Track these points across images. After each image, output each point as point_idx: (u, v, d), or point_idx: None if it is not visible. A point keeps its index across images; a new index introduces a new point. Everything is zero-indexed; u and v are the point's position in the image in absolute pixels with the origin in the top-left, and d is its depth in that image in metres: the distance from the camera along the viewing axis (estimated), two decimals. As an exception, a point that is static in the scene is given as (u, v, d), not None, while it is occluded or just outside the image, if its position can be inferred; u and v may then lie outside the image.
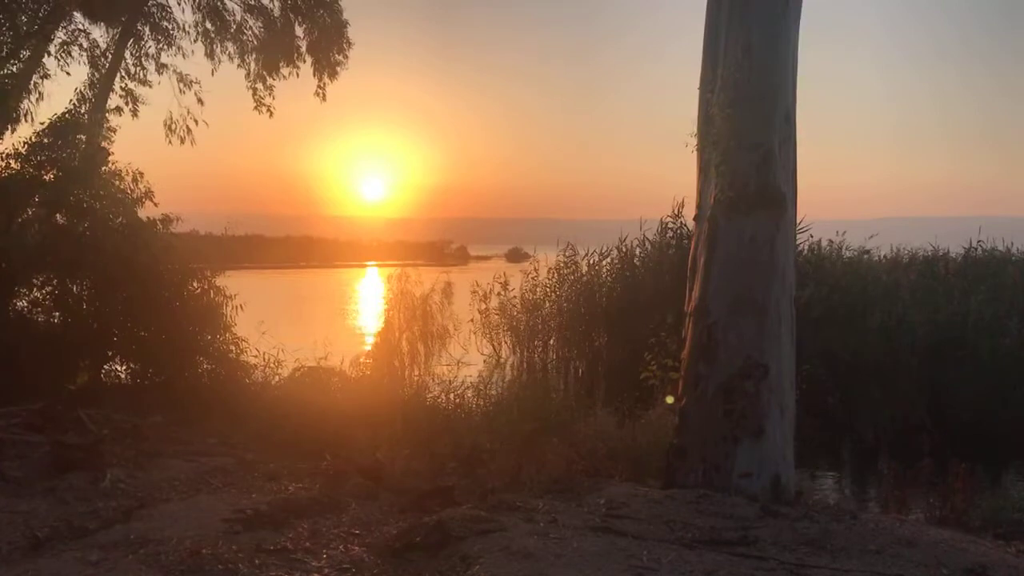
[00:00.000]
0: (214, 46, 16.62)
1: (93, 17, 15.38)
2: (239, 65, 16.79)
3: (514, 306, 18.64)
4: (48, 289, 10.36)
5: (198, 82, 16.62)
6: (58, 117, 10.86)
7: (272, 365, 10.53)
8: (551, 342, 18.47)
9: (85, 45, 15.73)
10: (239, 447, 8.16)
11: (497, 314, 18.63)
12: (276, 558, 4.78)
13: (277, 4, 16.47)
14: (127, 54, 15.94)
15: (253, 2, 16.54)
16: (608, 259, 18.67)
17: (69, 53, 15.51)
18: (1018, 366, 13.70)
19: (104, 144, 12.02)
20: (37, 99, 14.56)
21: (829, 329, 14.58)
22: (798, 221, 8.53)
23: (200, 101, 16.66)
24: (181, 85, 16.48)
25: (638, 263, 18.11)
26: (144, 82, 16.29)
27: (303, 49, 16.69)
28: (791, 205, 6.71)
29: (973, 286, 15.95)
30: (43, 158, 10.52)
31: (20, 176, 10.39)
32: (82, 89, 15.14)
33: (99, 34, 15.87)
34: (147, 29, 16.23)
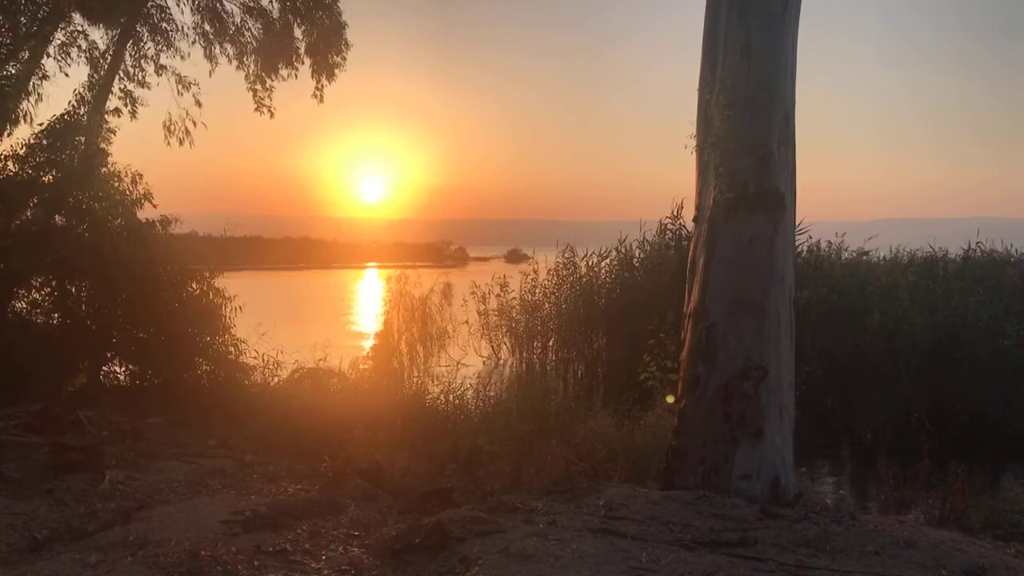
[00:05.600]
0: (213, 48, 16.62)
1: (92, 18, 15.36)
2: (238, 67, 16.79)
3: (513, 307, 18.66)
4: (47, 290, 10.35)
5: (197, 84, 16.62)
6: (57, 118, 10.84)
7: (271, 366, 10.53)
8: (550, 343, 18.48)
9: (84, 46, 15.72)
10: (238, 449, 8.15)
11: (496, 315, 18.64)
12: (275, 559, 4.78)
13: (276, 5, 16.47)
14: (126, 55, 15.93)
15: (252, 4, 16.53)
16: (607, 260, 18.69)
17: (68, 54, 15.51)
18: (1017, 367, 13.71)
19: (103, 145, 11.99)
20: (36, 100, 14.54)
21: (828, 330, 14.60)
22: (797, 222, 8.54)
23: (199, 103, 16.65)
24: (180, 87, 16.47)
25: (637, 264, 18.13)
26: (143, 83, 16.27)
27: (302, 51, 16.68)
28: (790, 206, 6.71)
29: (972, 287, 15.97)
30: (42, 159, 10.51)
31: (19, 177, 10.39)
32: (81, 90, 15.10)
33: (98, 35, 15.86)
34: (146, 30, 16.21)
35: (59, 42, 15.22)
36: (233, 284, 11.26)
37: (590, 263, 18.78)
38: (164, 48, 16.30)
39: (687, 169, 7.26)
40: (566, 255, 18.76)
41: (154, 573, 4.46)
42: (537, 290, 18.61)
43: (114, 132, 13.56)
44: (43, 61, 14.63)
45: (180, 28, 16.41)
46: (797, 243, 13.55)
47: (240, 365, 10.48)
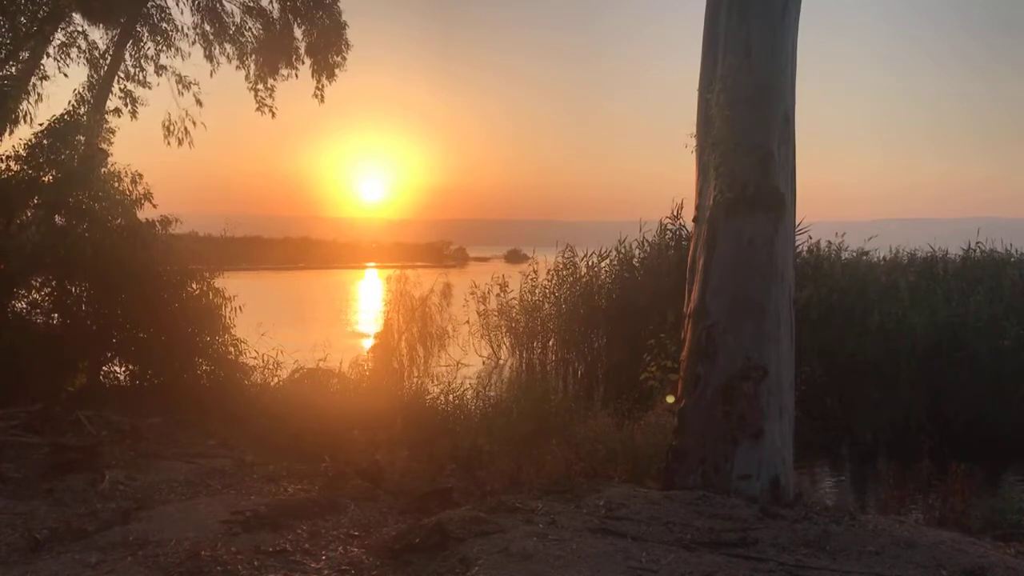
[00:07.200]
0: (213, 48, 16.66)
1: (92, 18, 15.37)
2: (238, 67, 16.83)
3: (513, 308, 18.66)
4: (47, 290, 10.34)
5: (197, 84, 16.66)
6: (57, 118, 10.82)
7: (271, 367, 10.52)
8: (550, 343, 18.47)
9: (84, 46, 15.77)
10: (238, 449, 8.15)
11: (496, 315, 18.65)
12: (275, 560, 4.77)
13: (276, 6, 16.51)
14: (126, 55, 15.95)
15: (252, 4, 16.55)
16: (607, 260, 18.69)
17: (68, 54, 15.55)
18: (1016, 367, 13.72)
19: (103, 145, 12.00)
20: (36, 100, 14.58)
21: (828, 330, 14.59)
22: (797, 222, 8.54)
23: (199, 102, 16.70)
24: (180, 87, 16.52)
25: (637, 264, 18.12)
26: (143, 83, 16.32)
27: (302, 51, 16.71)
28: (790, 206, 6.71)
29: (972, 287, 15.98)
30: (42, 159, 10.50)
31: (19, 178, 10.37)
32: (81, 90, 15.16)
33: (98, 35, 15.91)
34: (146, 31, 16.24)
35: (59, 42, 15.27)
36: (233, 284, 11.25)
37: (590, 263, 18.77)
38: (164, 48, 16.36)
39: (687, 169, 7.27)
40: (566, 255, 18.76)
41: (154, 573, 4.46)
42: (537, 290, 18.61)
43: (114, 132, 13.59)
44: (43, 61, 14.66)
45: (180, 28, 16.47)
46: (797, 243, 13.55)
47: (240, 365, 10.47)
